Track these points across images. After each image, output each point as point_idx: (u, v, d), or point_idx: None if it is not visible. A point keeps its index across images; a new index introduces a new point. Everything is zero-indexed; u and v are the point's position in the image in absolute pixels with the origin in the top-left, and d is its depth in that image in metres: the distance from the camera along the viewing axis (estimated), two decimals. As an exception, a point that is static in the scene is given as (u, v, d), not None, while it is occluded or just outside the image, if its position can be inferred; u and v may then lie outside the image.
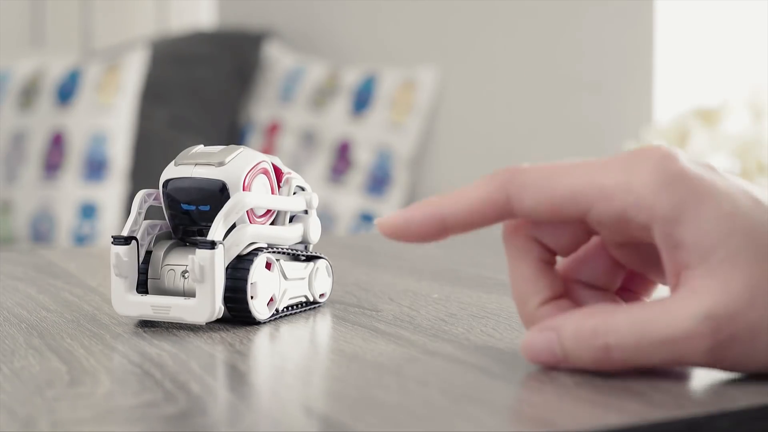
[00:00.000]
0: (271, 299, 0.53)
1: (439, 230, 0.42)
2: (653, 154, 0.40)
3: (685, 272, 0.39)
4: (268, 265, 0.52)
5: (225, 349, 0.47)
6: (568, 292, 0.44)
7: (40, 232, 2.21)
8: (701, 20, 1.75)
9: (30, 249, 2.12)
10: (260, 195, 0.52)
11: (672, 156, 0.40)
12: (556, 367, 0.42)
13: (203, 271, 0.49)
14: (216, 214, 0.50)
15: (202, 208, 0.51)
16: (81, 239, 2.19)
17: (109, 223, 2.18)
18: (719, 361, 0.39)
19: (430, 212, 0.42)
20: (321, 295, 0.57)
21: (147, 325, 0.52)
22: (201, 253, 0.49)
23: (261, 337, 0.50)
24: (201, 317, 0.50)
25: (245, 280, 0.50)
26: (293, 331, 0.51)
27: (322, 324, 0.53)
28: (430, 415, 0.37)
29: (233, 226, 0.51)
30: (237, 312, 0.51)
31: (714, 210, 0.39)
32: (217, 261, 0.49)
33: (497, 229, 0.45)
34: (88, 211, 2.20)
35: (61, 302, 0.59)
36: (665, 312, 0.39)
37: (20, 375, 0.42)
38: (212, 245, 0.49)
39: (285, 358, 0.47)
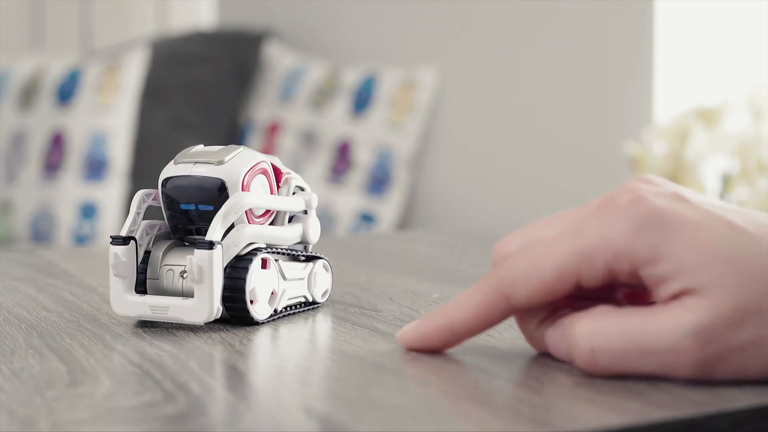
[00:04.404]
0: (272, 293, 0.53)
1: (451, 340, 0.44)
2: (621, 200, 0.41)
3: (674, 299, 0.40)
4: (264, 262, 0.52)
5: (225, 349, 0.47)
6: (566, 303, 0.44)
7: (40, 232, 2.21)
8: (701, 20, 1.75)
9: (30, 249, 2.12)
10: (259, 195, 0.52)
11: (639, 197, 0.40)
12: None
13: (201, 272, 0.49)
14: (215, 214, 0.50)
15: (202, 207, 0.51)
16: (81, 239, 2.19)
17: (109, 223, 2.18)
18: (709, 375, 0.39)
19: (439, 324, 0.44)
20: (321, 296, 0.57)
21: (147, 325, 0.52)
22: (199, 254, 0.49)
23: (261, 338, 0.49)
24: (199, 317, 0.50)
25: (243, 280, 0.50)
26: (293, 331, 0.51)
27: (322, 324, 0.53)
28: (430, 415, 0.37)
29: (232, 226, 0.51)
30: (235, 312, 0.51)
31: (689, 242, 0.39)
32: (216, 261, 0.49)
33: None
34: (88, 211, 2.20)
35: (61, 302, 0.58)
36: (654, 323, 0.39)
37: (20, 375, 0.42)
38: (210, 245, 0.49)
39: (285, 359, 0.47)
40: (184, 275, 0.52)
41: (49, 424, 0.35)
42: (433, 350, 0.45)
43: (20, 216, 2.22)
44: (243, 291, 0.50)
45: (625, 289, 0.45)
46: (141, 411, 0.37)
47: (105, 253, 0.82)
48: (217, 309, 0.50)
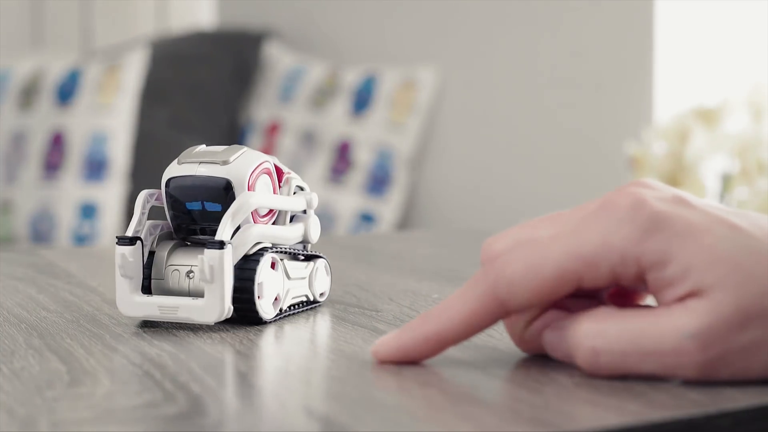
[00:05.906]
0: (276, 298, 0.53)
1: (438, 349, 0.43)
2: (622, 203, 0.40)
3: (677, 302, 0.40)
4: (272, 265, 0.52)
5: (225, 349, 0.47)
6: (555, 303, 0.44)
7: (40, 232, 2.21)
8: (701, 20, 1.75)
9: (30, 249, 2.12)
10: (265, 195, 0.52)
11: (641, 200, 0.40)
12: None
13: (213, 271, 0.49)
14: (221, 214, 0.50)
15: (209, 207, 0.51)
16: (81, 239, 2.19)
17: (109, 223, 2.18)
18: (711, 376, 0.39)
19: (425, 334, 0.42)
20: (321, 294, 0.57)
21: (147, 325, 0.52)
22: (210, 253, 0.49)
23: (261, 338, 0.50)
24: (210, 317, 0.50)
25: (252, 280, 0.50)
26: (293, 331, 0.51)
27: (322, 324, 0.53)
28: (430, 415, 0.37)
29: (238, 227, 0.51)
30: (243, 312, 0.51)
31: (694, 245, 0.39)
32: (227, 261, 0.49)
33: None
34: (88, 211, 2.20)
35: (61, 302, 0.59)
36: (655, 324, 0.39)
37: (20, 375, 0.42)
38: (221, 245, 0.49)
39: (285, 359, 0.47)
40: (191, 275, 0.52)
41: (49, 424, 0.35)
42: (416, 361, 0.43)
43: (20, 216, 2.22)
44: (251, 291, 0.50)
45: (611, 288, 0.45)
46: (141, 411, 0.37)
47: (105, 253, 0.82)
48: (228, 308, 0.50)
